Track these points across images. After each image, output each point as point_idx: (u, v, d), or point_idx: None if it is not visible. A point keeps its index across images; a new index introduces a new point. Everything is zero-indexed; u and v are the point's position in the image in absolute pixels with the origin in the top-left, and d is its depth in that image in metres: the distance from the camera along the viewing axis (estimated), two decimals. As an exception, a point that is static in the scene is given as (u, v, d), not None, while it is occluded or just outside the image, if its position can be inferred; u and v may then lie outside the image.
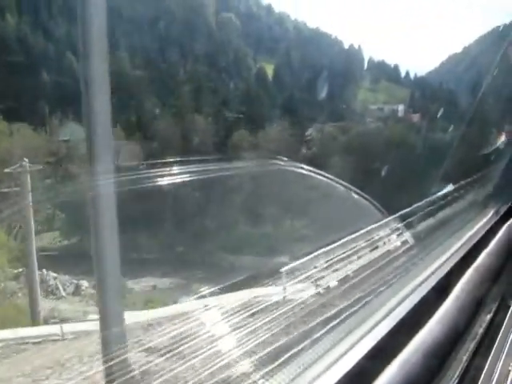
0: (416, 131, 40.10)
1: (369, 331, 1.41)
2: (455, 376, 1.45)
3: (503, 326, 1.77)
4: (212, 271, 24.72)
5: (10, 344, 9.77)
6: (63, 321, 14.76)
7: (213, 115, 35.79)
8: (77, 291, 22.77)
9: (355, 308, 1.64)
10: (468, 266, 1.85)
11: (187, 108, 35.12)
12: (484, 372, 1.51)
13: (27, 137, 31.98)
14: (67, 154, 31.89)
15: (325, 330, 1.57)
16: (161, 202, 28.19)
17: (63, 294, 22.29)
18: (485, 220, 2.53)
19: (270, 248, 27.49)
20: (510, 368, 1.58)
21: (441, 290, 1.64)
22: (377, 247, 12.37)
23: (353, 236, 11.89)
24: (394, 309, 1.52)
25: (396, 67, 55.03)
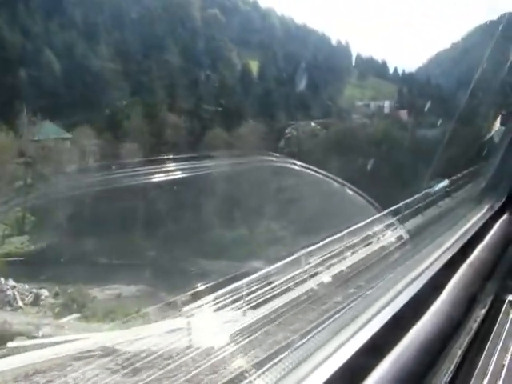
0: (401, 127, 39.60)
1: (363, 326, 1.42)
2: (449, 370, 1.46)
3: (498, 321, 1.78)
4: (182, 278, 23.34)
5: None
6: (13, 335, 13.87)
7: (188, 113, 35.23)
8: (36, 301, 21.56)
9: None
10: (463, 261, 1.86)
11: (161, 105, 34.48)
12: (478, 366, 1.52)
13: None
14: (39, 154, 30.98)
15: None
16: (134, 203, 27.74)
17: (20, 304, 21.06)
18: (479, 215, 2.54)
19: (247, 252, 26.71)
20: (504, 362, 1.59)
21: (435, 285, 1.64)
22: (369, 243, 12.23)
23: (345, 232, 11.89)
24: (388, 303, 1.53)
25: (384, 63, 55.24)
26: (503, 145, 3.09)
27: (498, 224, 2.42)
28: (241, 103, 38.14)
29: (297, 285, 9.94)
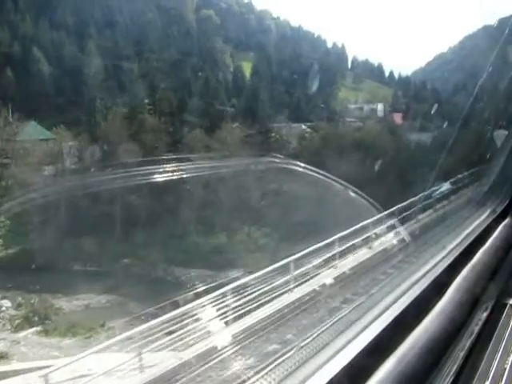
0: (392, 130, 38.90)
1: (366, 327, 1.43)
2: (451, 373, 1.48)
3: (499, 324, 1.80)
4: (155, 287, 23.27)
5: None
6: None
7: (168, 115, 34.41)
8: (-5, 313, 20.13)
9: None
10: (465, 264, 1.88)
11: (141, 107, 33.76)
12: (480, 369, 1.54)
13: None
14: (18, 154, 30.22)
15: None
16: (111, 208, 27.31)
17: (-23, 317, 19.84)
18: (482, 218, 2.57)
19: (225, 260, 26.21)
20: (506, 366, 1.61)
21: (438, 287, 1.67)
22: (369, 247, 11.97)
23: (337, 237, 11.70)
24: (391, 305, 1.55)
25: (380, 66, 55.51)
26: (506, 149, 3.12)
27: (500, 227, 2.45)
28: (226, 105, 37.71)
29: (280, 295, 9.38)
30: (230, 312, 8.58)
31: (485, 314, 1.79)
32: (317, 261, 10.64)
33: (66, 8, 41.25)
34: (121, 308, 21.81)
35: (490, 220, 2.51)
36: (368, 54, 56.83)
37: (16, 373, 10.48)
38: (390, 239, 12.16)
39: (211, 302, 8.42)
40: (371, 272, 10.30)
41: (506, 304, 1.97)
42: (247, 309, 8.75)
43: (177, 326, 8.17)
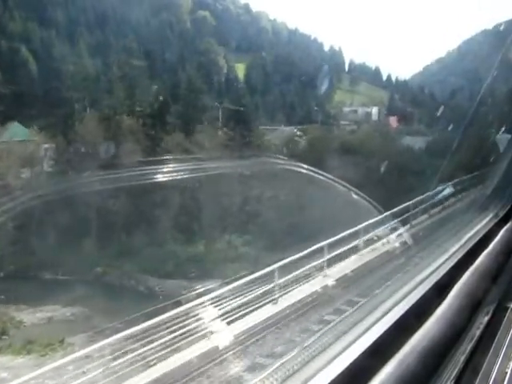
0: (385, 135, 38.44)
1: (367, 330, 1.45)
2: (452, 376, 1.49)
3: (501, 328, 1.82)
4: (126, 298, 22.88)
5: None
6: None
7: (150, 117, 33.57)
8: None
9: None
10: (467, 268, 1.90)
11: (121, 108, 32.94)
12: (481, 373, 1.55)
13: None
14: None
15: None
16: (87, 213, 26.68)
17: None
18: (484, 222, 2.59)
19: (201, 269, 25.38)
20: (507, 370, 1.63)
21: (439, 291, 1.69)
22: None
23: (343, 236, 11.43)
24: (392, 308, 1.57)
25: (377, 69, 55.66)
26: (509, 153, 3.14)
27: (502, 232, 2.47)
28: (211, 108, 37.04)
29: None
30: (201, 327, 8.09)
31: (486, 318, 1.81)
32: (304, 268, 10.19)
33: (56, 6, 41.20)
34: (86, 321, 20.99)
35: (492, 224, 2.54)
36: (366, 58, 57.25)
37: None
38: (384, 245, 11.97)
39: (184, 315, 7.98)
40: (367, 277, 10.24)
41: (508, 308, 1.99)
42: (217, 325, 8.26)
43: (140, 342, 7.73)
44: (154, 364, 7.66)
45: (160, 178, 24.55)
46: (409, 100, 49.30)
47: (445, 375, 1.49)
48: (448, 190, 17.50)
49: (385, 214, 12.10)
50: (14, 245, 25.67)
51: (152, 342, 7.66)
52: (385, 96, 51.13)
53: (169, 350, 7.71)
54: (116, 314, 17.61)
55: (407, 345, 1.44)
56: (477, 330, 1.72)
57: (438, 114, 38.79)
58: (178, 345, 7.80)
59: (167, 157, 27.42)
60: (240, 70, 47.40)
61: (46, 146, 31.18)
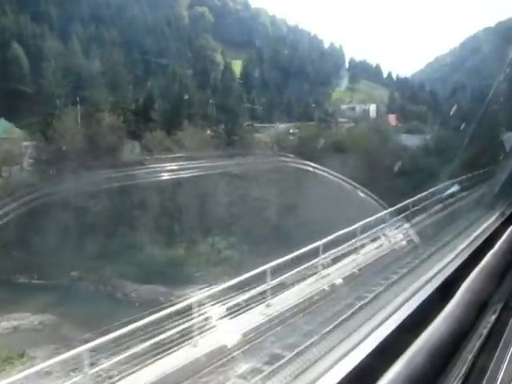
0: (382, 132, 37.96)
1: (374, 329, 1.47)
2: (460, 375, 1.52)
3: (508, 327, 1.84)
4: (100, 305, 22.17)
5: None
6: None
7: (132, 113, 33.33)
8: None
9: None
10: (473, 267, 1.93)
11: (104, 105, 32.57)
12: (489, 372, 1.58)
13: None
14: None
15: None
16: (65, 215, 25.94)
17: None
18: (490, 221, 2.62)
19: (183, 274, 24.73)
20: None
21: (446, 290, 1.71)
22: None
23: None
24: (399, 307, 1.60)
25: (378, 67, 55.85)
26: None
27: (508, 230, 2.50)
28: (197, 104, 36.68)
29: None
30: (172, 340, 7.51)
31: (493, 317, 1.84)
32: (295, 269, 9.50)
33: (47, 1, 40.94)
34: (53, 331, 20.12)
35: (499, 223, 2.57)
36: (367, 55, 57.57)
37: None
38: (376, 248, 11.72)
39: (156, 325, 7.43)
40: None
41: (515, 307, 2.02)
42: (191, 339, 7.66)
43: (106, 354, 7.35)
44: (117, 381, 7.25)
45: (141, 178, 24.21)
46: (409, 98, 49.47)
47: (453, 374, 1.51)
48: (452, 189, 17.49)
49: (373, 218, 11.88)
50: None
51: (119, 354, 7.20)
52: (385, 94, 51.31)
53: (138, 366, 7.25)
54: (87, 323, 17.22)
55: (415, 344, 1.46)
56: (484, 329, 1.75)
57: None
58: (148, 359, 7.36)
59: (149, 156, 27.69)
60: (238, 66, 47.39)
61: (26, 143, 31.03)
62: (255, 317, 8.42)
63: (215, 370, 7.32)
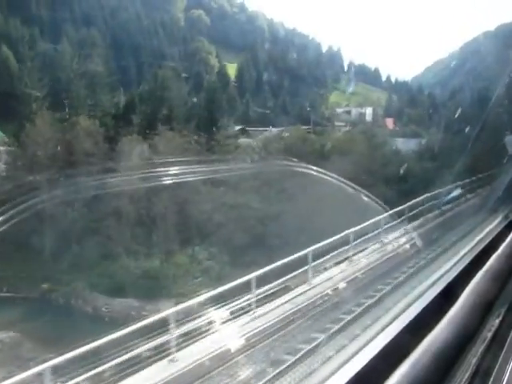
0: (373, 137, 37.32)
1: (380, 332, 1.50)
2: (464, 379, 1.55)
3: (512, 330, 1.87)
4: (68, 320, 21.56)
5: None
6: None
7: (110, 117, 32.51)
8: None
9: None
10: (477, 270, 1.97)
11: (82, 108, 31.94)
12: (493, 375, 1.61)
13: None
14: None
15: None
16: (38, 224, 24.78)
17: None
18: (494, 224, 2.66)
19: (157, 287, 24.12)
20: None
21: (451, 293, 1.75)
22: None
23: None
24: (404, 310, 1.63)
25: (377, 70, 56.26)
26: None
27: (512, 234, 2.54)
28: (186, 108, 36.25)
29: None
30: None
31: (497, 320, 1.87)
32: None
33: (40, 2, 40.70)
34: (12, 351, 19.05)
35: (503, 226, 2.61)
36: (366, 59, 58.12)
37: None
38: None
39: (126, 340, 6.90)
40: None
41: (519, 310, 2.05)
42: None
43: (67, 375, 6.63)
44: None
45: (115, 185, 23.56)
46: (407, 101, 49.77)
47: (457, 377, 1.54)
48: (453, 194, 17.46)
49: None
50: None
51: (76, 376, 6.73)
52: (382, 97, 51.59)
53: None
54: (50, 341, 16.65)
55: (420, 347, 1.49)
56: (488, 332, 1.78)
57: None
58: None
59: (124, 163, 26.55)
60: (234, 69, 47.49)
61: (1, 148, 30.54)
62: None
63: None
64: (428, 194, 15.50)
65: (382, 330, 1.55)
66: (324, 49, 57.33)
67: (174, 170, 23.80)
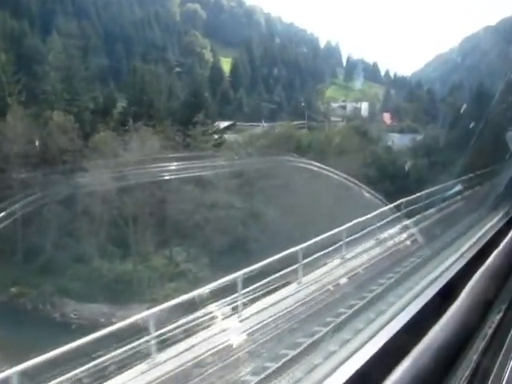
0: (366, 133, 37.10)
1: (380, 329, 1.53)
2: (465, 375, 1.57)
3: (513, 327, 1.90)
4: (34, 328, 21.00)
5: None
6: None
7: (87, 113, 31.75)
8: None
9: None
10: (478, 267, 2.00)
11: (57, 103, 31.12)
12: (494, 372, 1.64)
13: None
14: None
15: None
16: (9, 225, 22.95)
17: None
18: (495, 221, 2.70)
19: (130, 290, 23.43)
20: None
21: (451, 290, 1.78)
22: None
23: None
24: (404, 307, 1.65)
25: (375, 65, 56.35)
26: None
27: (513, 230, 2.57)
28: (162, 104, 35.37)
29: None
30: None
31: (498, 317, 1.90)
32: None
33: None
34: None
35: (503, 223, 2.64)
36: (364, 53, 58.25)
37: None
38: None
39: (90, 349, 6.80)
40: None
41: (520, 306, 2.09)
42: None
43: None
44: None
45: (89, 184, 22.98)
46: (405, 96, 49.86)
47: (458, 374, 1.57)
48: (453, 190, 17.44)
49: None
50: None
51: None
52: (380, 92, 51.63)
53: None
54: (11, 351, 15.72)
55: (420, 344, 1.52)
56: (489, 329, 1.81)
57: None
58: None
59: (98, 161, 26.03)
60: (229, 64, 47.41)
61: None
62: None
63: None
64: (424, 192, 15.43)
65: (383, 327, 1.57)
66: (322, 44, 57.32)
67: (149, 167, 23.34)
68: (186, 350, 7.12)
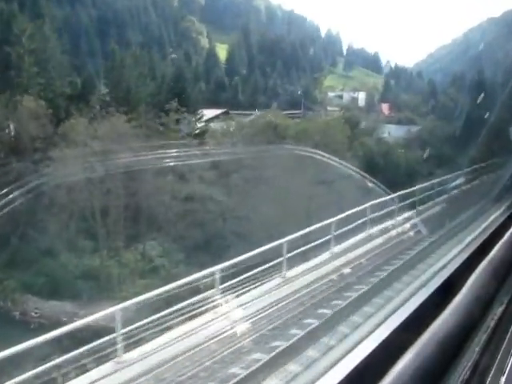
0: (357, 123, 36.81)
1: (383, 321, 1.55)
2: (467, 367, 1.60)
3: (515, 319, 1.93)
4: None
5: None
6: None
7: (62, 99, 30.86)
8: None
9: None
10: (481, 259, 2.02)
11: (30, 88, 29.96)
12: (496, 364, 1.66)
13: None
14: None
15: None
16: None
17: None
18: (499, 212, 2.73)
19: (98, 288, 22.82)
20: None
21: (455, 281, 1.80)
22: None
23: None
24: (407, 299, 1.67)
25: (376, 55, 56.27)
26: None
27: (517, 222, 2.60)
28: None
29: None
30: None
31: (500, 309, 1.93)
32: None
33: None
34: None
35: (507, 215, 2.67)
36: (366, 43, 58.19)
37: None
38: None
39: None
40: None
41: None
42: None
43: None
44: None
45: (60, 175, 22.19)
46: (405, 87, 49.89)
47: (460, 366, 1.60)
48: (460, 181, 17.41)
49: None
50: None
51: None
52: (379, 82, 51.61)
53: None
54: None
55: (423, 336, 1.54)
56: (492, 321, 1.84)
57: (435, 101, 38.85)
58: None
59: (68, 150, 25.08)
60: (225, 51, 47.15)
61: None
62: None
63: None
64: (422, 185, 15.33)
65: (385, 319, 1.59)
66: (323, 32, 57.17)
67: (121, 157, 22.56)
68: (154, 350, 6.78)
